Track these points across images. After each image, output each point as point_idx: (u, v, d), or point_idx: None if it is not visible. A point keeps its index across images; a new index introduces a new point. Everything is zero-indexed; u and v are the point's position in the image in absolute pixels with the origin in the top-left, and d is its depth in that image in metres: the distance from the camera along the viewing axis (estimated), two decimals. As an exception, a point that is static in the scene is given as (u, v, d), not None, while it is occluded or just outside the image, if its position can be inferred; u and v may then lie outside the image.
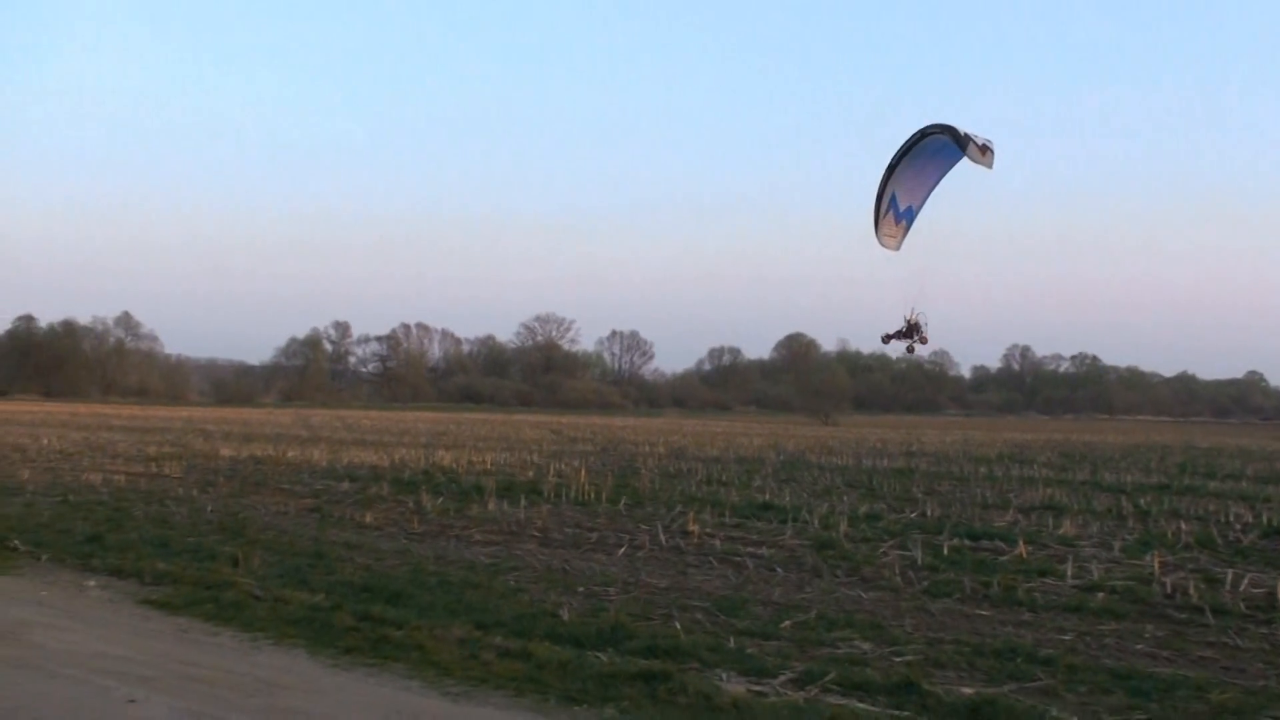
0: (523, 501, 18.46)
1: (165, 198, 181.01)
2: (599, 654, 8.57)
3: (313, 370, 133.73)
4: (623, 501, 18.87)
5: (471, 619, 9.76)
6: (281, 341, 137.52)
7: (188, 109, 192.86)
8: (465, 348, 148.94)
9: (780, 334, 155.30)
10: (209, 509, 17.14)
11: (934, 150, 11.73)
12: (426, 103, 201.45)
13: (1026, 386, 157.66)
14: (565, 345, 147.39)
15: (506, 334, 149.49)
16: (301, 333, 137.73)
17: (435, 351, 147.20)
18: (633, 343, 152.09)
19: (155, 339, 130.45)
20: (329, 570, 12.13)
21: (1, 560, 12.71)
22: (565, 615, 9.97)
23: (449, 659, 8.50)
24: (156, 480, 21.88)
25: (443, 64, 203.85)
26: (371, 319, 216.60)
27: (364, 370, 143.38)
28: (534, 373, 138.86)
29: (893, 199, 11.98)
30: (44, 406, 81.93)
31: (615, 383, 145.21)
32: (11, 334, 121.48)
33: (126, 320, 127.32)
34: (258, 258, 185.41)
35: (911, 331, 12.66)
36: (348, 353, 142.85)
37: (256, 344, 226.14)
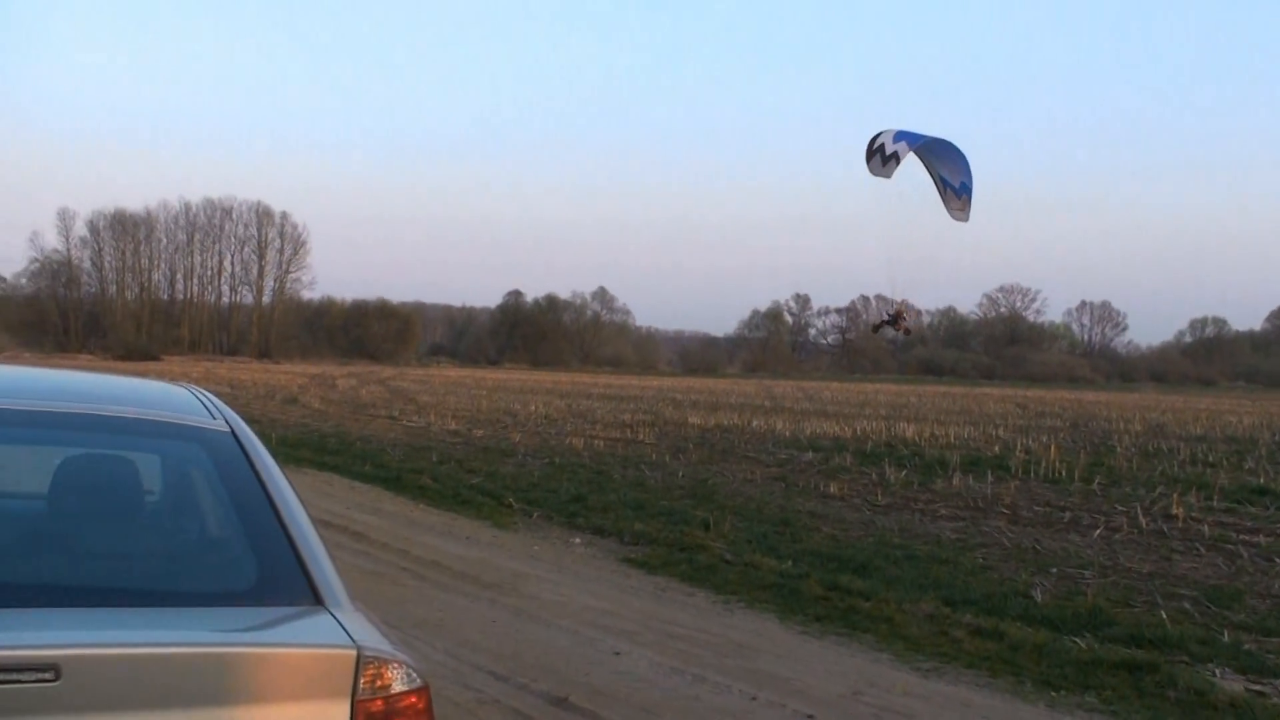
0: (989, 477, 17.97)
1: (636, 177, 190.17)
2: (1076, 639, 8.19)
3: (774, 342, 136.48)
4: (1096, 480, 17.94)
5: (939, 594, 9.60)
6: (744, 314, 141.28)
7: (639, 94, 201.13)
8: (925, 319, 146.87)
9: (1274, 303, 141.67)
10: (680, 474, 17.87)
11: (934, 139, 13.27)
12: (883, 71, 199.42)
13: None
14: (1030, 317, 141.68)
15: (968, 305, 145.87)
16: (763, 305, 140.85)
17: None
18: (1104, 313, 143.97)
19: (628, 312, 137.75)
20: (795, 538, 12.33)
21: (500, 517, 13.85)
22: (1038, 596, 9.61)
23: (918, 634, 8.41)
24: (632, 446, 23.07)
25: (908, 34, 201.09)
26: (831, 290, 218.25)
27: (824, 342, 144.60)
28: (997, 345, 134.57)
29: (943, 179, 13.29)
30: (531, 375, 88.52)
31: (1084, 355, 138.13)
32: (502, 308, 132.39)
33: (602, 295, 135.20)
34: (722, 232, 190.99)
35: (898, 319, 14.21)
36: (808, 324, 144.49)
37: (721, 316, 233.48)
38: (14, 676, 2.09)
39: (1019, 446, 24.11)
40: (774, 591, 9.76)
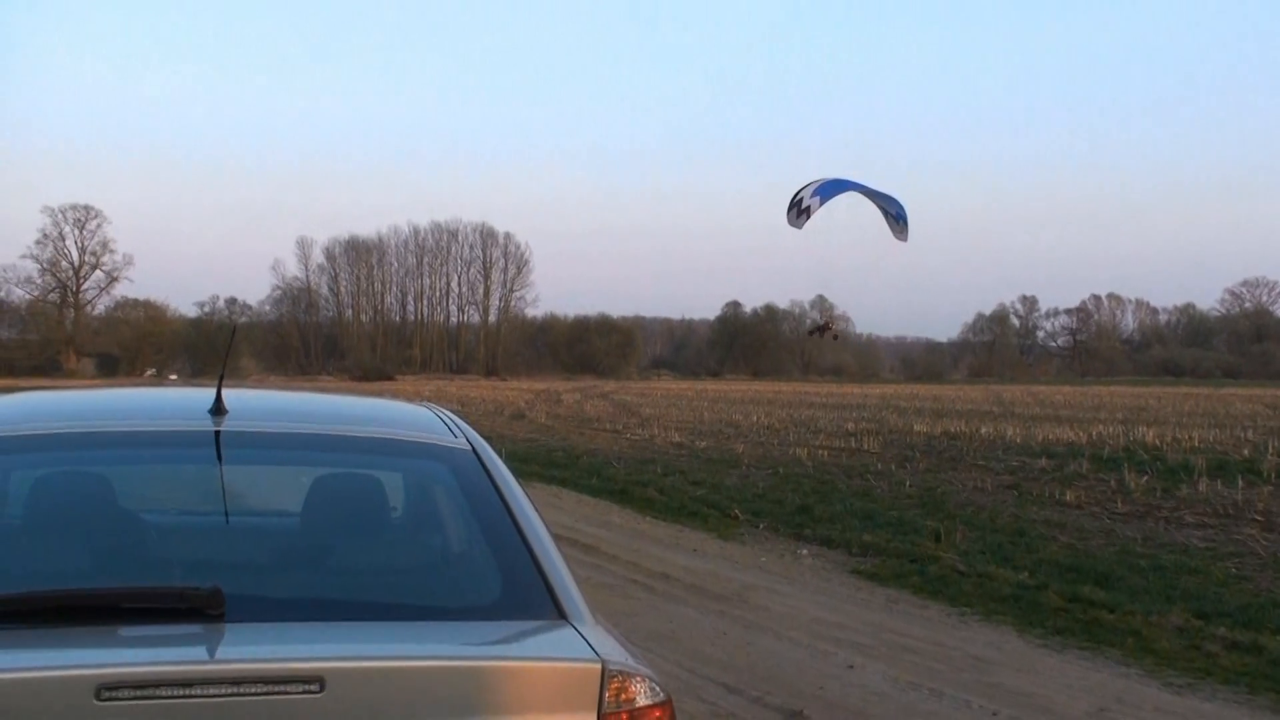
0: (1239, 482, 17.02)
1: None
2: (1347, 654, 7.68)
3: (1000, 346, 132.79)
4: (1360, 485, 16.81)
5: (1189, 606, 9.15)
6: (968, 318, 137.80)
7: (846, 93, 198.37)
8: (1162, 318, 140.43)
9: None
10: (907, 484, 17.54)
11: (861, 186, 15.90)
12: (1091, 50, 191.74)
13: None
14: (1279, 311, 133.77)
15: (1208, 301, 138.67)
16: (988, 308, 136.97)
17: (1129, 323, 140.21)
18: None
19: (847, 320, 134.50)
20: (1030, 548, 11.95)
21: (725, 528, 13.87)
22: (1300, 609, 9.06)
23: (1168, 647, 8.03)
24: (856, 455, 22.78)
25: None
26: (1059, 291, 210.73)
27: (1053, 344, 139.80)
28: (1242, 342, 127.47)
29: (885, 210, 15.81)
30: (751, 386, 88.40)
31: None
32: (721, 319, 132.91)
33: (821, 303, 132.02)
34: (944, 235, 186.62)
35: (825, 327, 16.67)
36: (1035, 327, 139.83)
37: (943, 321, 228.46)
38: (282, 688, 2.20)
39: (1271, 449, 22.77)
40: (1011, 603, 9.49)
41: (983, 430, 29.09)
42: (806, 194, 15.13)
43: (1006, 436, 26.98)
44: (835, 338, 16.60)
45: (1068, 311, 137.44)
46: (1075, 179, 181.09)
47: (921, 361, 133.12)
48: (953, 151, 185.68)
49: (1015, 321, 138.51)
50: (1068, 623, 8.81)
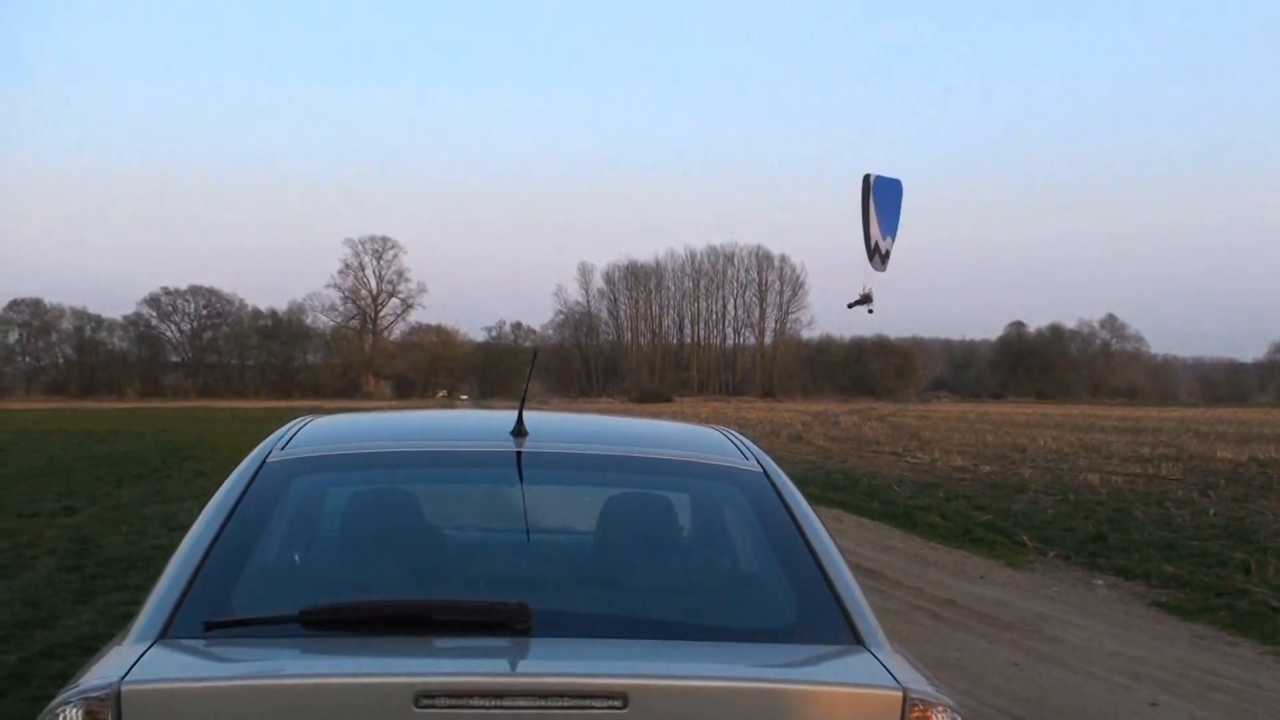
0: None
1: (1147, 201, 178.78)
2: None
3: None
4: None
5: None
6: (1277, 337, 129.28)
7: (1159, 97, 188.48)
8: None
9: None
10: (1211, 513, 16.52)
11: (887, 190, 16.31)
12: None
13: None
14: None
15: None
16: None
17: None
18: None
19: (1141, 339, 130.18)
20: (1355, 586, 11.05)
21: (1013, 555, 13.40)
22: None
23: None
24: (1153, 482, 21.63)
25: None
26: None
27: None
28: None
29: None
30: (1036, 408, 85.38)
31: None
32: (1003, 340, 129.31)
33: (1111, 322, 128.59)
34: (1249, 247, 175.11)
35: (865, 300, 17.05)
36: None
37: (1248, 340, 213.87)
38: (588, 703, 2.24)
39: None
40: (1334, 644, 8.79)
41: (1298, 457, 27.11)
42: (878, 236, 16.04)
43: (1324, 464, 25.06)
44: (870, 312, 17.07)
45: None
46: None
47: (1223, 383, 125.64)
48: (1259, 153, 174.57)
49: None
50: (1401, 667, 8.11)
